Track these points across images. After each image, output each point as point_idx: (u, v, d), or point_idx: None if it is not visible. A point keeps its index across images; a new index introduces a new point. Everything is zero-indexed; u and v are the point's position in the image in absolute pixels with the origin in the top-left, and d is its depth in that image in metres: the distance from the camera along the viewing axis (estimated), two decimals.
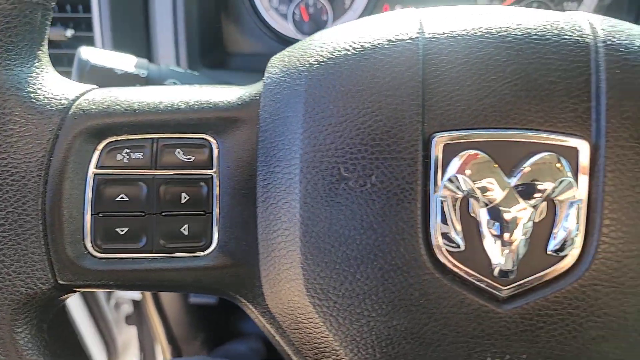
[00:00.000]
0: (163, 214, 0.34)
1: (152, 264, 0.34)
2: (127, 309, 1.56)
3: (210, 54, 0.81)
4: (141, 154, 0.34)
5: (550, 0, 0.84)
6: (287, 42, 0.86)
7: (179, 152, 0.34)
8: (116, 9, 0.75)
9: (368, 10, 0.85)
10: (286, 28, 0.87)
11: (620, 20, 0.34)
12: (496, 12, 0.33)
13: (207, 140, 0.35)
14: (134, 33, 0.77)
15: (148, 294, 1.34)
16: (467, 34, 0.32)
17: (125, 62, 0.50)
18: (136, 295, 1.47)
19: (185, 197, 0.34)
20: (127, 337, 1.58)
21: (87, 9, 0.74)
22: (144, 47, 0.77)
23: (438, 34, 0.32)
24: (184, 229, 0.34)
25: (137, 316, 1.57)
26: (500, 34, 0.32)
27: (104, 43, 0.74)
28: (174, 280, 0.34)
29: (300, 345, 0.34)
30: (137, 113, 0.34)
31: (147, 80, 0.50)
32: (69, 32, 0.74)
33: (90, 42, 0.75)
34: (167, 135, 0.34)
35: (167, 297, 1.32)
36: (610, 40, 0.31)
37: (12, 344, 0.33)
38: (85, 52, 0.49)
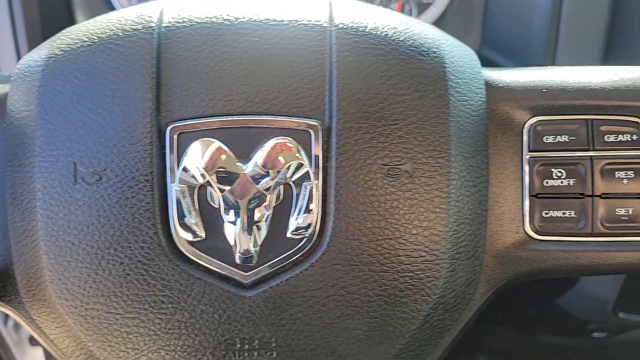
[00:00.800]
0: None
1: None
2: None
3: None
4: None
5: None
6: None
7: None
8: None
9: None
10: None
11: (365, 4, 0.35)
12: (234, 1, 0.33)
13: None
14: None
15: None
16: (205, 22, 0.32)
17: None
18: None
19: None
20: (33, 358, 1.52)
21: None
22: None
23: (177, 21, 0.32)
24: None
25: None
26: (239, 20, 0.32)
27: None
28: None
29: (67, 350, 0.33)
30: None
31: None
32: None
33: None
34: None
35: None
36: (343, 24, 0.32)
37: None
38: None
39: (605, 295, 0.88)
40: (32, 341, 1.50)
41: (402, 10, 0.87)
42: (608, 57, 0.75)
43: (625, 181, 0.33)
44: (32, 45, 0.71)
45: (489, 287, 0.35)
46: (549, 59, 0.75)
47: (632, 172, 0.33)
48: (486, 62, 0.86)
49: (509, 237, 0.34)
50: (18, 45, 0.70)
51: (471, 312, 0.35)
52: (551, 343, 1.12)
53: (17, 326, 1.46)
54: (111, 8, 0.83)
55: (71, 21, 0.81)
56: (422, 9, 0.88)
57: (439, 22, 0.88)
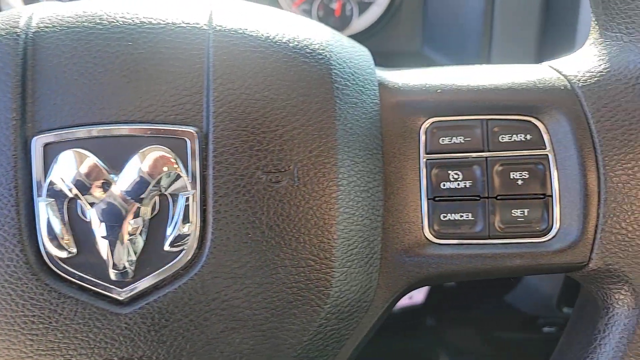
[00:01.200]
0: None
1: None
2: None
3: None
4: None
5: None
6: None
7: None
8: None
9: None
10: None
11: (248, 4, 0.34)
12: (117, 3, 0.32)
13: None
14: None
15: None
16: (76, 26, 0.30)
17: None
18: None
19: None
20: None
21: None
22: None
23: (45, 28, 0.30)
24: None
25: None
26: (112, 24, 0.30)
27: None
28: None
29: None
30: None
31: None
32: None
33: None
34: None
35: None
36: (222, 25, 0.31)
37: None
38: None
39: (549, 291, 0.88)
40: None
41: (343, 10, 0.86)
42: (542, 51, 0.75)
43: (519, 182, 0.33)
44: None
45: (390, 292, 0.34)
46: (484, 56, 0.75)
47: (526, 172, 0.33)
48: (428, 62, 0.86)
49: (409, 242, 0.33)
50: None
51: (373, 318, 0.34)
52: (507, 338, 1.13)
53: None
54: None
55: None
56: (363, 8, 0.87)
57: (380, 22, 0.87)
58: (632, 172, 0.31)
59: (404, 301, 0.88)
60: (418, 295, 0.90)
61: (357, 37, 0.87)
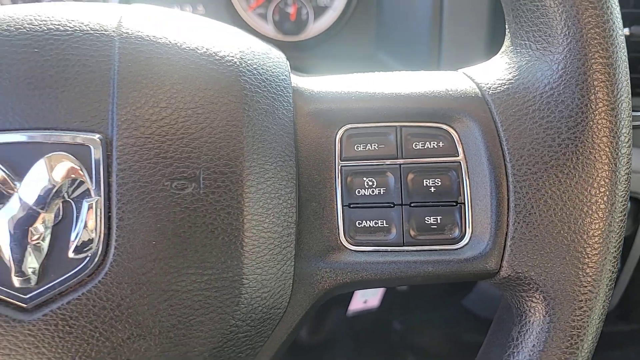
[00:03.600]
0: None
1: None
2: None
3: None
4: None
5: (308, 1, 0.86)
6: None
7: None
8: None
9: None
10: None
11: (157, 9, 0.34)
12: (27, 10, 0.32)
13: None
14: None
15: None
16: None
17: None
18: None
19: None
20: None
21: None
22: None
23: None
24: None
25: None
26: (19, 31, 0.30)
27: None
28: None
29: None
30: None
31: None
32: None
33: None
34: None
35: None
36: (129, 31, 0.31)
37: None
38: None
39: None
40: None
41: (299, 14, 0.87)
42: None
43: (432, 189, 0.33)
44: None
45: (306, 299, 0.34)
46: (434, 61, 0.76)
47: (439, 179, 0.33)
48: (382, 66, 0.87)
49: (325, 248, 0.33)
50: None
51: (291, 324, 0.34)
52: (470, 340, 1.15)
53: None
54: None
55: None
56: (319, 12, 0.87)
57: (336, 26, 0.88)
58: (541, 180, 0.32)
59: (359, 305, 0.88)
60: (373, 300, 0.91)
61: (313, 41, 0.88)
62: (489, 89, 0.34)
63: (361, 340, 1.03)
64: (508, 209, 0.32)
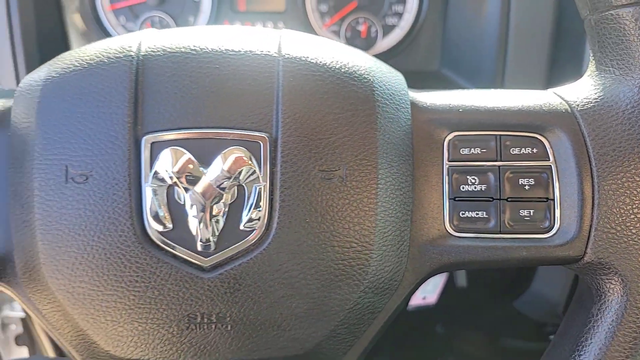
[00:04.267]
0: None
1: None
2: (16, 329, 1.54)
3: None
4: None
5: (373, 15, 0.93)
6: None
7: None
8: None
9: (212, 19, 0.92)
10: None
11: (309, 36, 0.42)
12: (206, 33, 0.40)
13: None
14: None
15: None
16: (175, 52, 0.38)
17: None
18: (23, 313, 1.45)
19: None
20: (18, 357, 1.55)
21: None
22: None
23: (153, 51, 0.38)
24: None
25: (28, 336, 1.55)
26: (203, 51, 0.38)
27: None
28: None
29: (62, 329, 0.39)
30: None
31: None
32: None
33: None
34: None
35: None
36: (289, 54, 0.39)
37: None
38: None
39: (556, 299, 0.94)
40: (19, 340, 1.54)
41: (368, 32, 0.95)
42: (552, 76, 0.83)
43: (527, 187, 0.40)
44: (29, 67, 0.77)
45: (416, 275, 0.41)
46: (499, 80, 0.82)
47: (532, 179, 0.40)
48: (446, 82, 0.94)
49: (432, 234, 0.40)
50: (17, 65, 0.77)
51: (401, 297, 0.42)
52: (514, 346, 1.19)
53: (5, 325, 1.50)
54: (102, 33, 0.90)
55: (66, 46, 0.88)
56: (387, 30, 0.95)
57: (402, 43, 0.95)
58: (621, 182, 0.38)
59: (418, 301, 0.94)
60: (431, 297, 0.97)
61: (381, 56, 0.95)
62: (578, 105, 0.41)
63: (402, 343, 1.07)
64: (593, 205, 0.38)
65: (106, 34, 0.91)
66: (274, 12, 0.93)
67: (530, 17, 0.78)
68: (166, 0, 0.90)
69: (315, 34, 0.94)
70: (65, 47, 0.89)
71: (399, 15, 0.94)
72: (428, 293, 0.93)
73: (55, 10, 0.87)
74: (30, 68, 0.79)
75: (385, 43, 0.95)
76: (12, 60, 0.78)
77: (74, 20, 0.90)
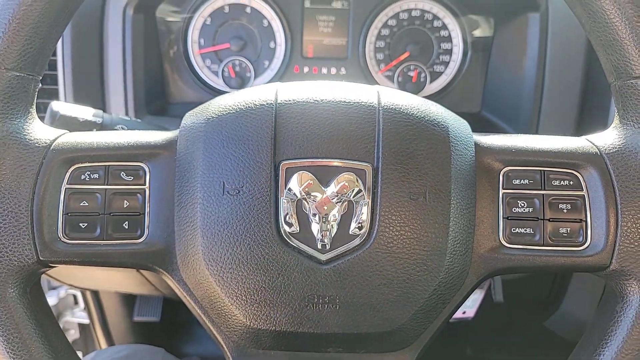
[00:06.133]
0: (111, 214, 0.52)
1: (104, 247, 0.51)
2: (74, 334, 1.67)
3: (154, 103, 1.00)
4: (97, 175, 0.52)
5: (423, 63, 1.07)
6: (218, 92, 1.06)
7: (123, 174, 0.52)
8: (76, 67, 0.93)
9: (282, 69, 1.06)
10: (217, 82, 1.07)
11: (398, 91, 0.55)
12: (323, 88, 0.54)
13: (141, 166, 0.53)
14: (90, 86, 0.95)
15: (96, 316, 1.46)
16: (303, 101, 0.52)
17: (86, 112, 0.68)
18: (84, 319, 1.58)
19: (126, 203, 0.52)
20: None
21: (53, 66, 0.92)
22: (99, 97, 0.95)
23: (286, 100, 0.52)
24: (125, 224, 0.52)
25: (84, 341, 1.68)
26: (322, 101, 0.52)
27: (66, 94, 0.91)
28: (119, 259, 0.52)
29: (206, 305, 0.52)
30: (95, 149, 0.52)
31: (101, 126, 0.68)
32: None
33: (54, 93, 0.93)
34: (115, 163, 0.53)
35: (113, 318, 1.45)
36: (387, 105, 0.52)
37: (3, 299, 0.50)
38: (56, 105, 0.67)
39: (585, 317, 1.04)
40: (75, 345, 1.67)
41: (418, 77, 1.08)
42: (581, 122, 0.96)
43: (565, 210, 0.52)
44: (137, 110, 0.94)
45: (475, 277, 0.53)
46: (534, 124, 0.95)
47: (569, 205, 0.52)
48: (486, 123, 1.07)
49: (490, 245, 0.53)
50: (127, 105, 0.93)
51: (463, 294, 0.54)
52: None
53: (65, 330, 1.63)
54: (190, 72, 1.06)
55: (162, 81, 1.04)
56: (434, 76, 1.09)
57: (448, 88, 1.09)
58: (639, 208, 0.51)
59: (458, 315, 1.05)
60: (470, 311, 1.08)
61: (429, 98, 1.09)
62: (606, 150, 0.53)
63: (440, 352, 1.16)
64: (617, 226, 0.50)
65: (194, 73, 1.06)
66: (337, 58, 1.08)
67: (562, 74, 0.91)
68: (246, 46, 1.06)
69: (372, 78, 1.08)
70: (162, 81, 1.04)
71: (446, 63, 1.08)
72: (467, 308, 1.04)
73: (157, 55, 1.02)
74: (137, 99, 0.94)
75: (433, 87, 1.09)
76: (123, 94, 0.93)
77: (169, 60, 1.05)
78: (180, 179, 0.51)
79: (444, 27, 1.07)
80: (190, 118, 0.54)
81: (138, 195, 0.52)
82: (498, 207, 0.53)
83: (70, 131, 0.56)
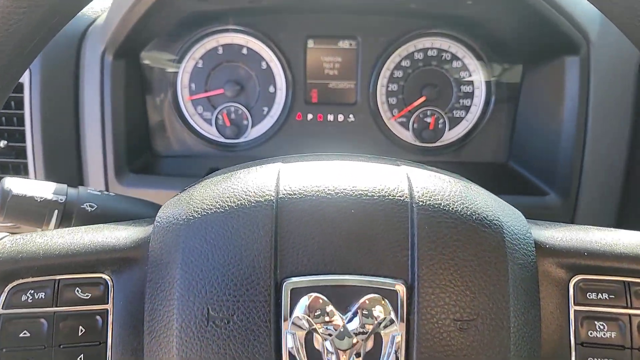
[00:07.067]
0: (61, 346, 0.39)
1: None
2: None
3: (137, 160, 0.88)
4: (43, 294, 0.40)
5: (441, 108, 0.95)
6: (211, 143, 0.94)
7: (77, 290, 0.40)
8: (48, 120, 0.81)
9: (282, 117, 0.95)
10: (210, 131, 0.95)
11: (432, 172, 0.43)
12: (337, 170, 0.41)
13: (103, 278, 0.41)
14: (63, 142, 0.83)
15: None
16: (311, 195, 0.40)
17: (45, 189, 0.56)
18: None
19: (82, 330, 0.40)
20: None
21: (21, 122, 0.80)
22: (74, 155, 0.83)
23: (290, 194, 0.40)
24: (80, 359, 0.39)
25: None
26: (338, 195, 0.40)
27: (34, 153, 0.79)
28: None
29: None
30: (40, 258, 0.40)
31: (64, 205, 0.56)
32: (2, 143, 0.79)
33: (21, 152, 0.81)
34: (68, 276, 0.40)
35: None
36: (421, 200, 0.40)
37: None
38: (8, 183, 0.54)
39: None
40: None
41: (436, 123, 0.96)
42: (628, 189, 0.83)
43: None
44: (118, 168, 0.82)
45: None
46: (575, 188, 0.82)
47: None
48: (514, 175, 0.94)
49: None
50: (106, 163, 0.80)
51: None
52: None
53: None
54: (180, 121, 0.94)
55: (149, 148, 0.92)
56: (454, 122, 0.97)
57: (469, 135, 0.97)
58: None
59: None
60: None
61: (448, 147, 0.97)
62: None
63: None
64: None
65: (184, 121, 0.94)
66: (345, 103, 0.96)
67: (608, 125, 0.79)
68: (242, 91, 0.94)
69: (385, 124, 0.96)
70: (147, 133, 0.93)
71: (467, 108, 0.96)
72: None
73: (141, 104, 0.91)
74: (117, 156, 0.82)
75: (452, 134, 0.97)
76: (102, 150, 0.81)
77: (156, 109, 0.94)
78: (152, 299, 0.39)
79: (464, 67, 0.95)
80: (167, 210, 0.42)
81: (97, 318, 0.40)
82: (569, 329, 0.40)
83: (18, 222, 0.43)
